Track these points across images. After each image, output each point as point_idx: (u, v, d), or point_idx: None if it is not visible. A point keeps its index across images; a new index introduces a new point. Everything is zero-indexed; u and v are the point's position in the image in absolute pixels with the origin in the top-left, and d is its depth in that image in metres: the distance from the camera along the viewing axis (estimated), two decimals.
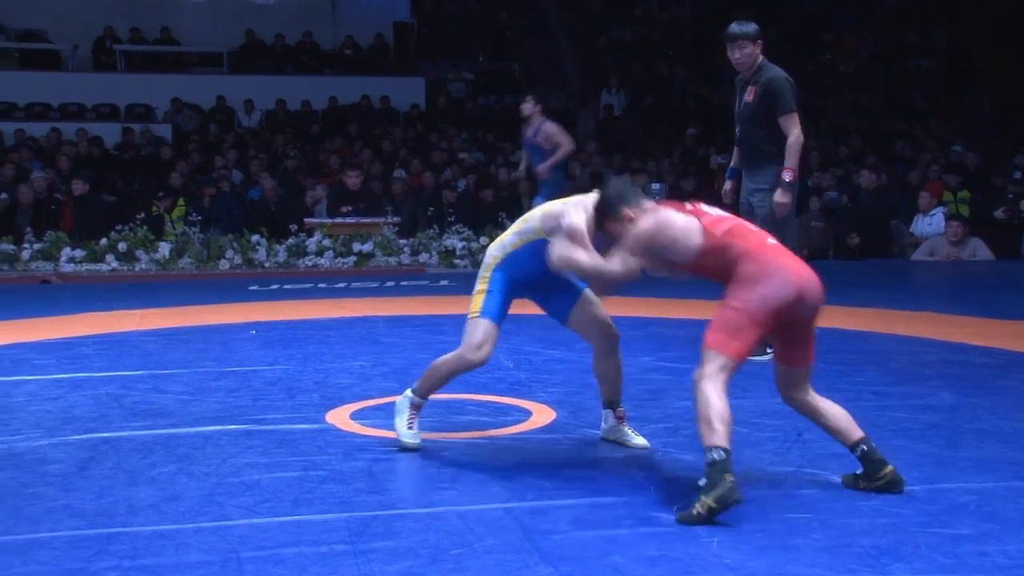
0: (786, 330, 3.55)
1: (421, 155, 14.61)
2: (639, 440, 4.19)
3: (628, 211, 3.67)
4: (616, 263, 3.66)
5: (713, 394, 3.34)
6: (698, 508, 3.22)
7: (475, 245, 11.12)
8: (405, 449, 4.09)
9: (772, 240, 3.63)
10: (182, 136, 15.34)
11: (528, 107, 9.74)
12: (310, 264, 11.00)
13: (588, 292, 4.07)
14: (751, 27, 6.04)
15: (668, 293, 7.91)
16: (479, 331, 3.91)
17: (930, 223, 11.49)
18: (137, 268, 10.75)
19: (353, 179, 12.14)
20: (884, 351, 6.19)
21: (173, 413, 4.77)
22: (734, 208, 6.32)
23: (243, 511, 3.44)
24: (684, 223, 3.59)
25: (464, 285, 9.27)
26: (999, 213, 12.08)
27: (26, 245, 10.90)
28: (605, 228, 3.75)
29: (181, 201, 12.24)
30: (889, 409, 4.74)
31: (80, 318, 7.62)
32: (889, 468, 3.56)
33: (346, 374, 5.62)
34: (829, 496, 3.54)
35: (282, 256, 11.05)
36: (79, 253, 10.84)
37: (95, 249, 10.86)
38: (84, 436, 4.37)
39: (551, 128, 9.68)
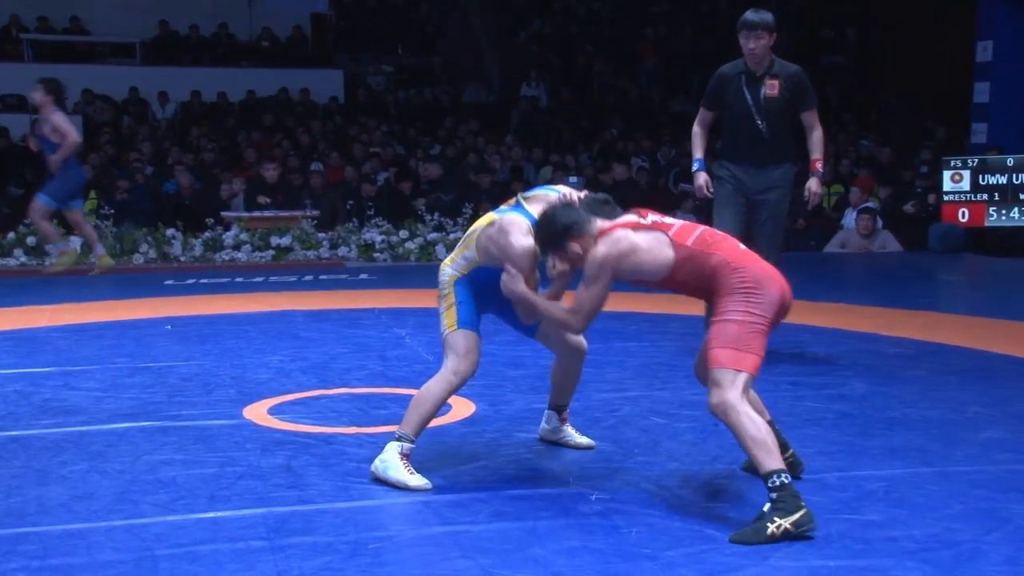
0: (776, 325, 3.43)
1: (340, 148, 14.51)
2: (583, 440, 4.10)
3: (576, 245, 3.42)
4: (576, 317, 3.42)
5: (751, 420, 3.18)
6: (772, 529, 3.04)
7: (394, 238, 11.07)
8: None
9: (742, 245, 3.47)
10: (94, 128, 15.01)
11: (38, 96, 9.38)
12: (227, 258, 10.84)
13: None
14: (769, 16, 5.65)
15: None
16: (461, 341, 3.64)
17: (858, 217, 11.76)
18: (47, 262, 10.50)
19: (270, 172, 12.01)
20: (799, 342, 6.30)
21: (85, 410, 4.67)
22: (707, 205, 6.15)
23: (158, 509, 3.38)
24: (649, 241, 3.37)
25: (383, 279, 9.29)
26: (908, 207, 12.39)
27: None
28: (551, 257, 3.53)
29: (93, 194, 11.98)
30: (803, 399, 4.84)
31: None
32: (790, 451, 3.62)
33: (264, 369, 5.55)
34: (744, 485, 3.60)
35: (198, 250, 10.89)
36: None
37: (2, 243, 10.59)
38: None
39: (58, 119, 9.31)
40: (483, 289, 3.72)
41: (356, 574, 2.85)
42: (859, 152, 14.67)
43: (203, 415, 4.58)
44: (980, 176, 11.52)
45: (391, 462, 3.62)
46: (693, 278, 3.37)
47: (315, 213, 11.60)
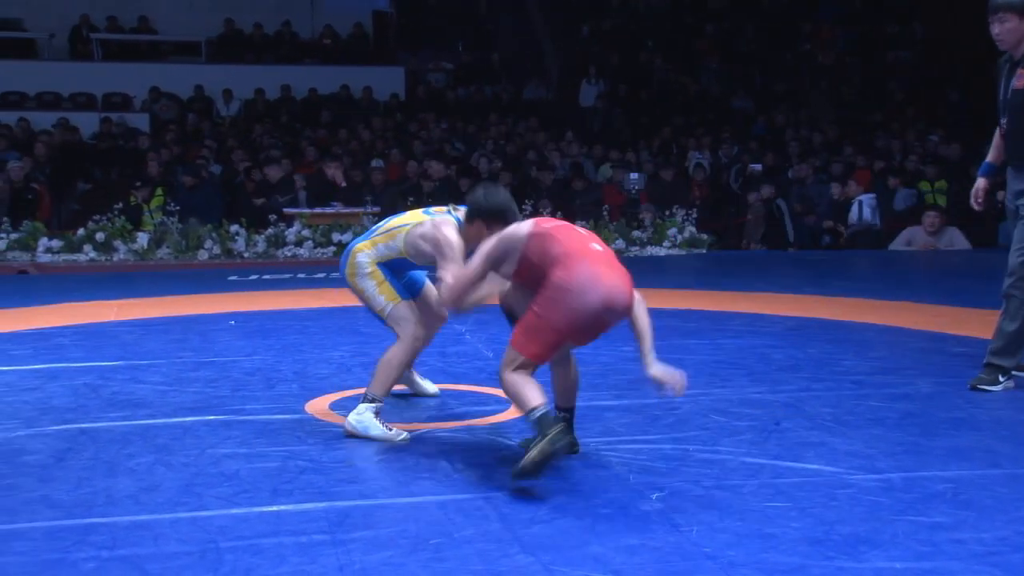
0: (588, 328, 3.68)
1: (401, 145, 14.60)
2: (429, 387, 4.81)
3: (493, 230, 3.91)
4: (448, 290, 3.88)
5: (514, 377, 3.60)
6: (534, 454, 3.41)
7: None
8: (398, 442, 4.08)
9: (597, 245, 3.73)
10: (160, 125, 15.26)
11: None
12: (289, 254, 10.96)
13: (429, 285, 4.48)
14: None
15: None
16: (409, 311, 4.18)
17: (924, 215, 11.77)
18: (115, 258, 10.70)
19: (333, 170, 12.12)
20: (862, 340, 6.22)
21: (151, 403, 4.75)
22: (989, 210, 5.44)
23: (222, 501, 3.43)
24: (518, 223, 3.85)
25: None
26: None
27: (2, 235, 10.82)
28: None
29: (159, 191, 12.17)
30: (867, 398, 4.77)
31: (57, 308, 7.58)
32: (570, 437, 3.85)
33: (325, 364, 5.60)
34: (807, 485, 3.56)
35: (261, 246, 11.02)
36: (56, 243, 10.77)
37: (72, 239, 10.80)
38: (62, 427, 4.35)
39: None
40: (391, 269, 4.26)
41: (417, 569, 2.87)
42: (926, 148, 14.43)
43: (266, 409, 4.63)
44: None
45: (369, 422, 4.06)
46: (535, 261, 3.67)
47: (376, 210, 11.68)
